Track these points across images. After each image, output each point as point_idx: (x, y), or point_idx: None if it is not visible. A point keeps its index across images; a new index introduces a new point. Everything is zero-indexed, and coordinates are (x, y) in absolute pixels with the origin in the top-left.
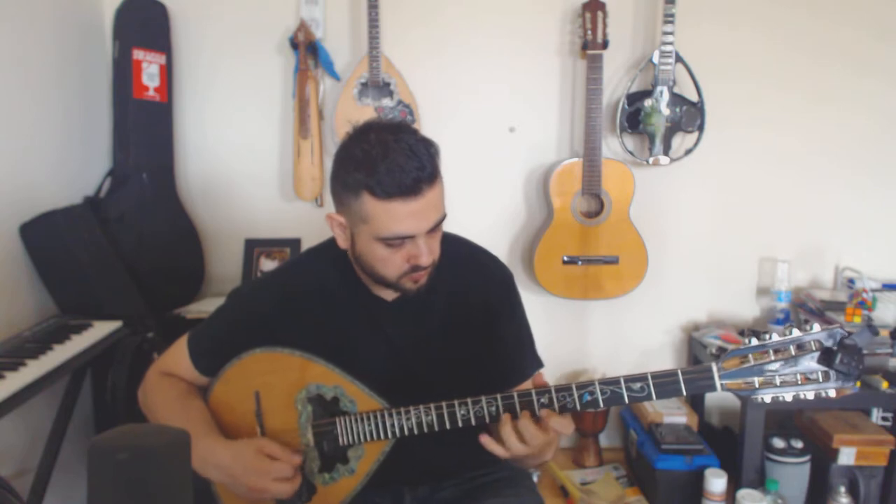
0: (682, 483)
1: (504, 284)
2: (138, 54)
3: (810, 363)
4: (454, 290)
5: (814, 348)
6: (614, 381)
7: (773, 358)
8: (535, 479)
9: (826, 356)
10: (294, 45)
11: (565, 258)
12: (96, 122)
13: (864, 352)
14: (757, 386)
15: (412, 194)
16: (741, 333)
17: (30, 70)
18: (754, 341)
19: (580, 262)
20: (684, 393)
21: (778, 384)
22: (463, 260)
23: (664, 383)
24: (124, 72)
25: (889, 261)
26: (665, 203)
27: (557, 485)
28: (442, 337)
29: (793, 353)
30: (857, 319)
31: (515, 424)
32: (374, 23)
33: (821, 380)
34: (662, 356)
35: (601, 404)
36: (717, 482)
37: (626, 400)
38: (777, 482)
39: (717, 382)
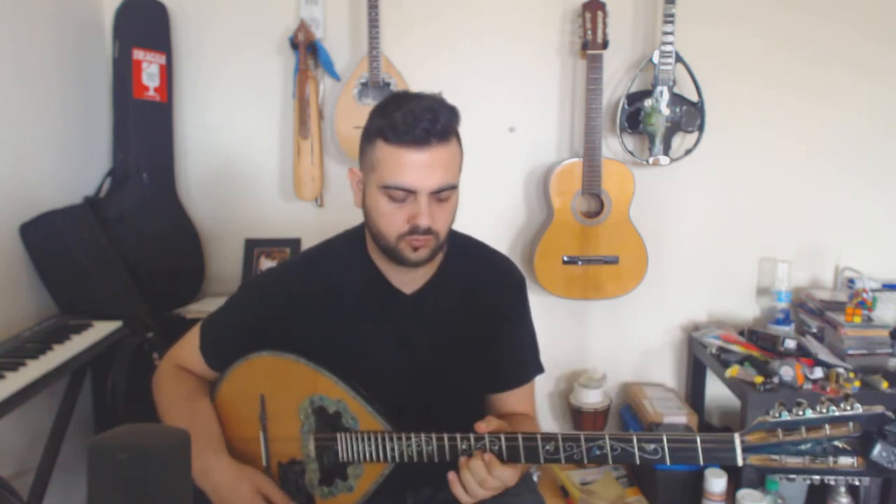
0: (682, 483)
1: (517, 288)
2: (138, 54)
3: (845, 449)
4: (468, 288)
5: (851, 430)
6: (626, 439)
7: (804, 436)
8: (535, 479)
9: (864, 441)
10: (294, 45)
11: (565, 258)
12: (96, 122)
13: (868, 361)
14: (784, 465)
15: (420, 143)
16: (741, 333)
17: (30, 70)
18: (786, 415)
19: (580, 262)
20: (701, 462)
21: (806, 466)
22: (479, 260)
23: (680, 448)
24: (124, 72)
25: (889, 261)
26: (665, 203)
27: (557, 485)
28: (453, 333)
29: (827, 432)
30: (857, 319)
31: (469, 464)
32: (374, 23)
33: (855, 466)
34: (662, 356)
35: (610, 461)
36: (717, 482)
37: (637, 461)
38: (777, 482)
39: (739, 456)
